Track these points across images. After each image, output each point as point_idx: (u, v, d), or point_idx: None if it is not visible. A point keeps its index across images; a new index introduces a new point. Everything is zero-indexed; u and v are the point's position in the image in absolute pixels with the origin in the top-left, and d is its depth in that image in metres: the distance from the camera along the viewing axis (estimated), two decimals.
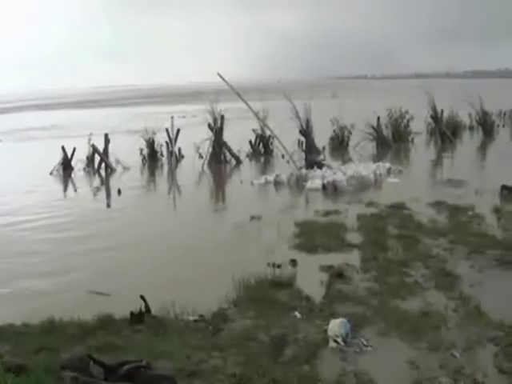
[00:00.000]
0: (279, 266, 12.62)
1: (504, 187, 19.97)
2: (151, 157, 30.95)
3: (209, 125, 30.17)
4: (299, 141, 31.73)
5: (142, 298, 9.99)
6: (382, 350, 8.71)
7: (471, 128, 43.15)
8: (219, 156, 30.01)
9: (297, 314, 10.05)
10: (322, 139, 32.42)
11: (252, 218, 17.28)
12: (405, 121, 36.94)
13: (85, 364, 7.48)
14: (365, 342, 8.87)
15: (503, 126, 45.75)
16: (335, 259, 13.06)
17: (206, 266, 13.11)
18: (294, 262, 12.95)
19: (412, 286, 11.37)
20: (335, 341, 8.83)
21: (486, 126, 41.80)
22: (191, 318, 9.92)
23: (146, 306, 9.96)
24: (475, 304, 10.32)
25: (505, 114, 47.87)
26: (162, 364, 7.91)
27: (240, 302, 10.67)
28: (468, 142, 38.64)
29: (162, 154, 31.47)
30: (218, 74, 27.09)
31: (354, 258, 13.25)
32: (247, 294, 10.92)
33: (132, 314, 9.77)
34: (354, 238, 14.92)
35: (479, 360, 8.33)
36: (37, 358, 8.23)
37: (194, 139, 30.53)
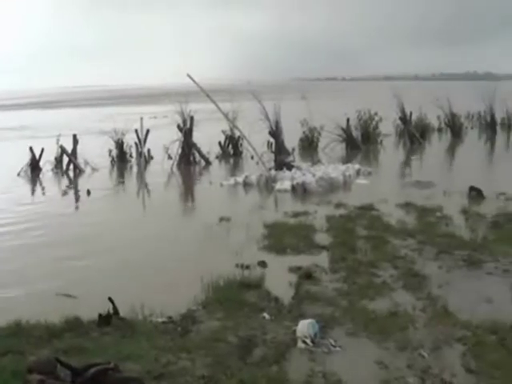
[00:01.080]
0: (248, 268, 12.61)
1: (472, 188, 20.16)
2: (120, 158, 30.76)
3: (178, 126, 30.10)
4: (269, 142, 31.81)
5: (110, 299, 9.92)
6: (350, 351, 8.74)
7: (440, 130, 43.55)
8: (188, 157, 29.91)
9: (265, 315, 10.04)
10: (291, 140, 32.49)
11: (221, 219, 17.23)
12: (374, 122, 37.17)
13: (52, 367, 7.40)
14: (333, 343, 8.89)
15: (471, 128, 46.15)
16: (304, 260, 13.09)
17: (174, 268, 13.07)
18: (262, 264, 12.95)
19: (380, 286, 11.43)
20: (304, 341, 8.83)
21: (454, 128, 42.15)
22: (160, 320, 9.86)
23: (114, 307, 9.88)
24: (443, 304, 10.40)
25: (473, 116, 48.24)
26: (129, 366, 7.88)
27: (208, 303, 10.63)
28: (437, 144, 38.97)
29: (131, 155, 31.32)
30: (188, 75, 27.00)
31: (322, 258, 13.28)
32: (216, 296, 10.87)
33: (100, 316, 9.68)
34: (322, 239, 14.95)
35: (447, 360, 8.37)
36: (3, 361, 8.14)
37: (164, 140, 30.46)
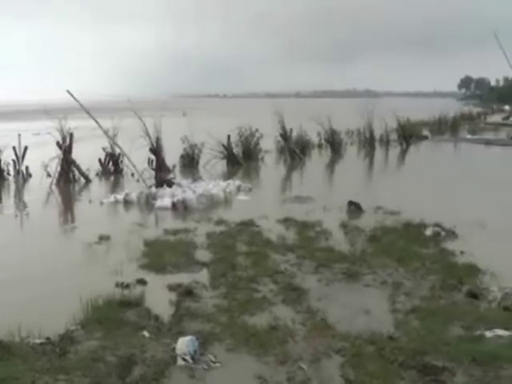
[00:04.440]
0: (128, 286, 12.45)
1: (351, 203, 20.58)
2: None
3: (57, 143, 29.46)
4: (149, 159, 31.50)
5: None
6: (230, 366, 8.74)
7: (320, 146, 44.26)
8: (68, 175, 29.28)
9: (145, 333, 9.93)
10: (172, 157, 32.36)
11: (101, 237, 16.90)
12: (255, 139, 37.50)
13: None
14: (213, 359, 8.88)
15: (351, 144, 47.14)
16: (184, 277, 13.04)
17: (53, 288, 12.71)
18: (142, 282, 12.81)
19: (260, 301, 11.49)
20: (183, 359, 8.78)
21: (334, 144, 43.05)
22: (37, 341, 9.59)
23: None
24: (322, 317, 10.59)
25: (353, 133, 49.29)
26: None
27: (87, 323, 10.42)
28: (317, 160, 39.59)
29: (8, 173, 30.43)
30: (68, 91, 26.60)
31: (203, 275, 13.26)
32: (95, 315, 10.67)
33: None
34: (203, 255, 14.93)
35: (326, 371, 8.49)
36: None
37: (45, 157, 29.74)
